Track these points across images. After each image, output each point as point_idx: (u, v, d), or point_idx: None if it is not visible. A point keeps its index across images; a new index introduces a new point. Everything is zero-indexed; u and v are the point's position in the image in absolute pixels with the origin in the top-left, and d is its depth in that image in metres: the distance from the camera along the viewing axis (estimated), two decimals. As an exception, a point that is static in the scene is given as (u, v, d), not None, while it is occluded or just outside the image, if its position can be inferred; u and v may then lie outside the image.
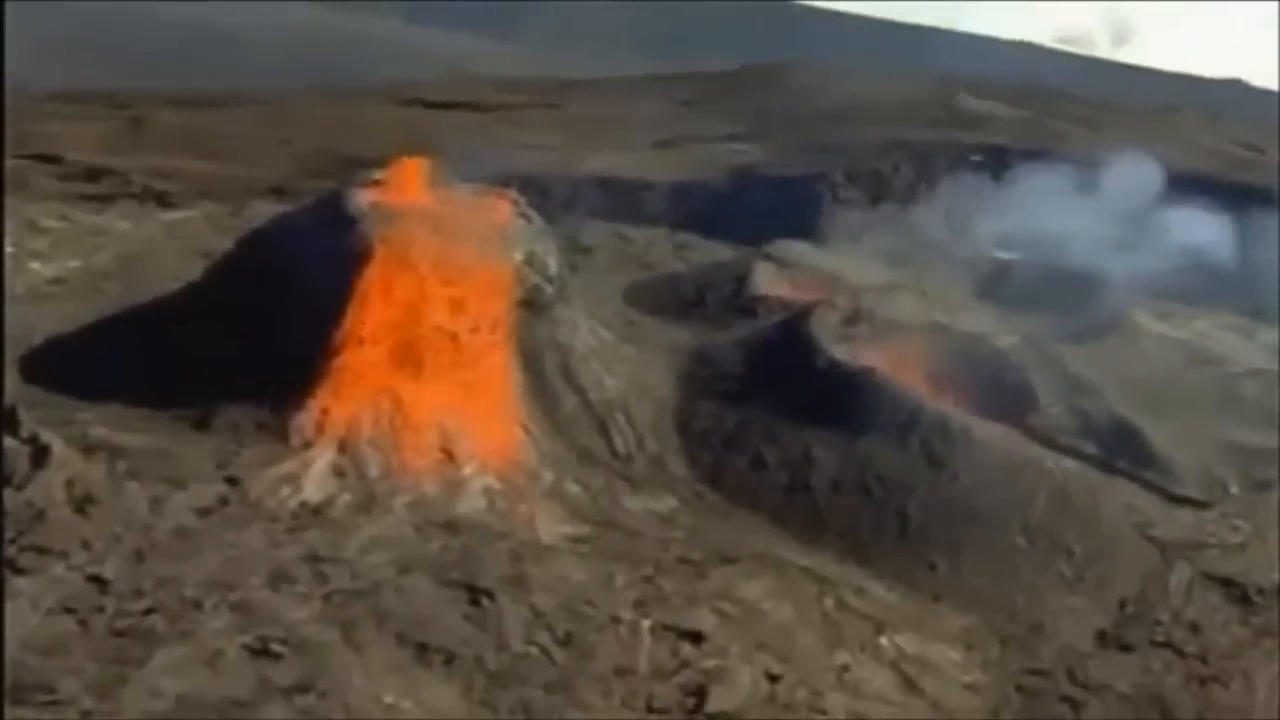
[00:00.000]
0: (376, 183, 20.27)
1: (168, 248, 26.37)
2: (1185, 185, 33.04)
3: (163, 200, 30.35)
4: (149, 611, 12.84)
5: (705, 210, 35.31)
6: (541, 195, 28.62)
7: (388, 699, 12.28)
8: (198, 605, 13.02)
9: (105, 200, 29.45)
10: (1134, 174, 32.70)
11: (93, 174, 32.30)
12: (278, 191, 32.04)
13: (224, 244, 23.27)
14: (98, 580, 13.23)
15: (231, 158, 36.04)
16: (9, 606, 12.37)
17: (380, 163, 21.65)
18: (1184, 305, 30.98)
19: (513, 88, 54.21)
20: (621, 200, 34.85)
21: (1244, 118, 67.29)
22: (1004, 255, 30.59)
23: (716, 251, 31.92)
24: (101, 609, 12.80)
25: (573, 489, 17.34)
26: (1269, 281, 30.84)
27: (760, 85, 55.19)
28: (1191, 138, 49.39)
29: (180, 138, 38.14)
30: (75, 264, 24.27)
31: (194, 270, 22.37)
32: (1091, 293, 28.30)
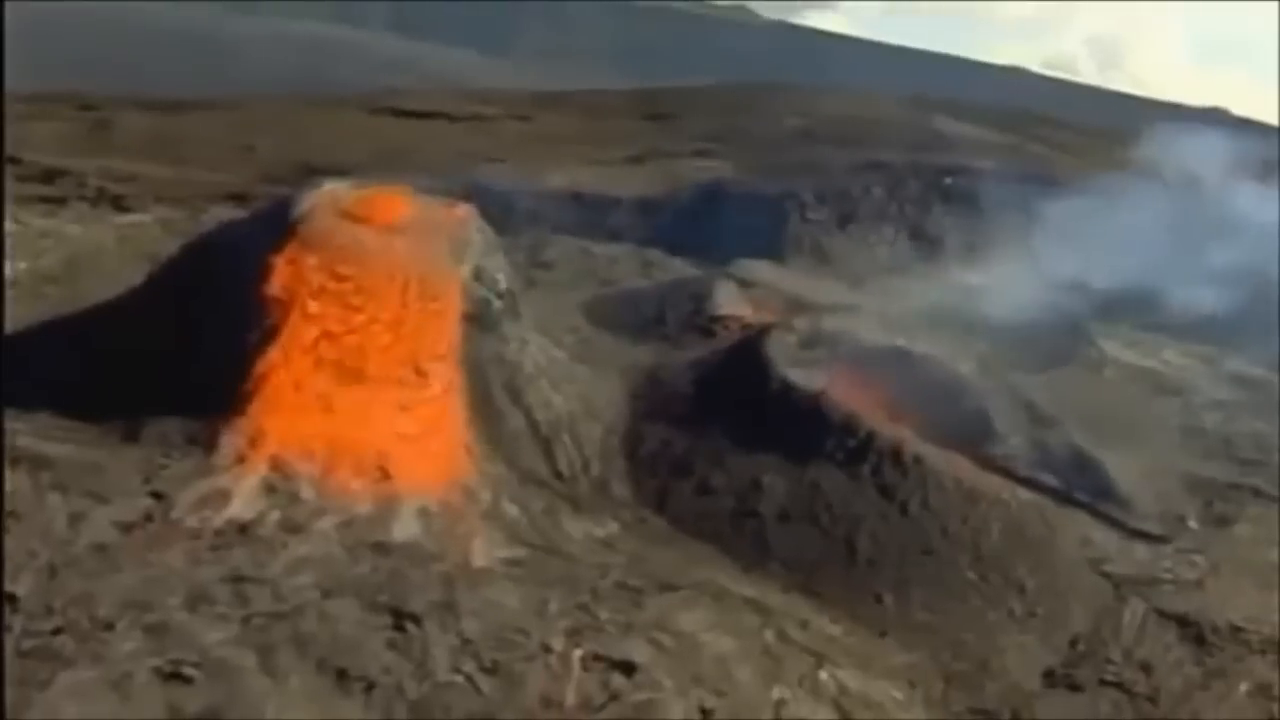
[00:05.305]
0: (329, 191, 19.83)
1: (117, 252, 25.94)
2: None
3: (118, 204, 29.92)
4: (58, 631, 12.27)
5: (672, 227, 34.99)
6: (505, 208, 28.25)
7: (300, 728, 11.76)
8: (109, 626, 12.42)
9: (58, 202, 28.99)
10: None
11: (49, 175, 31.82)
12: (237, 197, 31.58)
13: (174, 249, 22.81)
14: (9, 598, 12.67)
15: (193, 162, 35.65)
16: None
17: (343, 170, 21.19)
18: (1155, 333, 30.71)
19: (486, 99, 53.98)
20: (587, 215, 34.48)
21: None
22: (971, 278, 30.34)
23: (681, 269, 31.56)
24: (9, 628, 12.25)
25: (511, 511, 16.79)
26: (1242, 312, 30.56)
27: (733, 102, 55.00)
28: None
29: (143, 141, 37.76)
30: (22, 266, 23.81)
31: (140, 275, 21.90)
32: (1056, 319, 28.00)
